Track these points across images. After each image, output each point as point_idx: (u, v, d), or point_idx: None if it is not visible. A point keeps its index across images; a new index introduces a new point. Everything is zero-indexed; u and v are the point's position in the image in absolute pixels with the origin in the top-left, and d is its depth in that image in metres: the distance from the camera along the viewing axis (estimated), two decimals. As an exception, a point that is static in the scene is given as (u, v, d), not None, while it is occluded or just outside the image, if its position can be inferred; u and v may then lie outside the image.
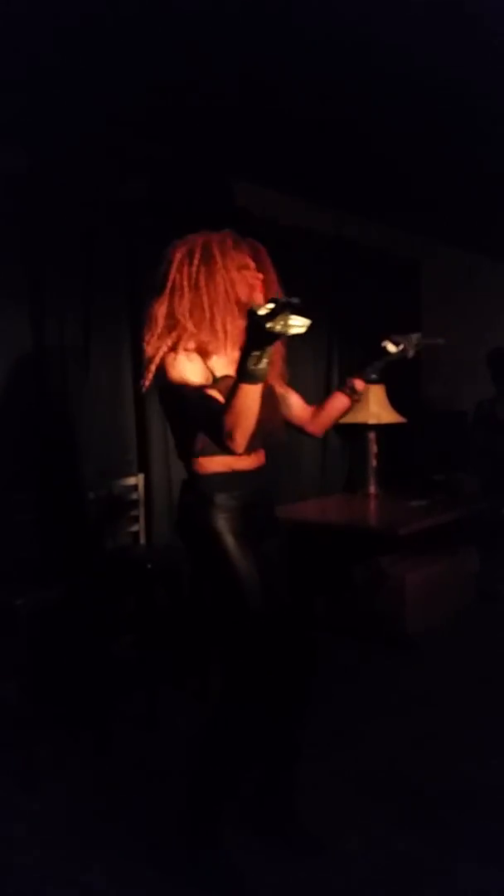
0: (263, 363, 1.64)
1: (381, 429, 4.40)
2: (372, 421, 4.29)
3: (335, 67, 2.69)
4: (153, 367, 1.93)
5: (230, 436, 1.74)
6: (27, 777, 2.51)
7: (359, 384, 2.18)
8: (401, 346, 2.19)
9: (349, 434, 4.52)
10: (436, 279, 5.58)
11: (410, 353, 2.21)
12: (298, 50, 2.54)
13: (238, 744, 2.01)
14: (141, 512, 3.47)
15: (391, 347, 2.18)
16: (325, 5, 2.25)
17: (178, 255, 1.97)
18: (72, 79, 2.67)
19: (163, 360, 1.92)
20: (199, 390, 1.87)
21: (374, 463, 4.40)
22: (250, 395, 1.68)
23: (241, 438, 1.74)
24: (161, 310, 1.96)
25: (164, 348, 1.92)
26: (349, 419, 4.20)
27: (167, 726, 2.87)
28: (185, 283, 1.94)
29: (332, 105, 3.03)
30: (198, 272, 1.94)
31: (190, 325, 1.92)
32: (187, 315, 1.92)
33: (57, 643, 2.93)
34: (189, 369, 1.90)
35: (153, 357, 1.94)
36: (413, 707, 3.07)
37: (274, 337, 1.59)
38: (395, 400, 4.44)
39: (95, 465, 3.31)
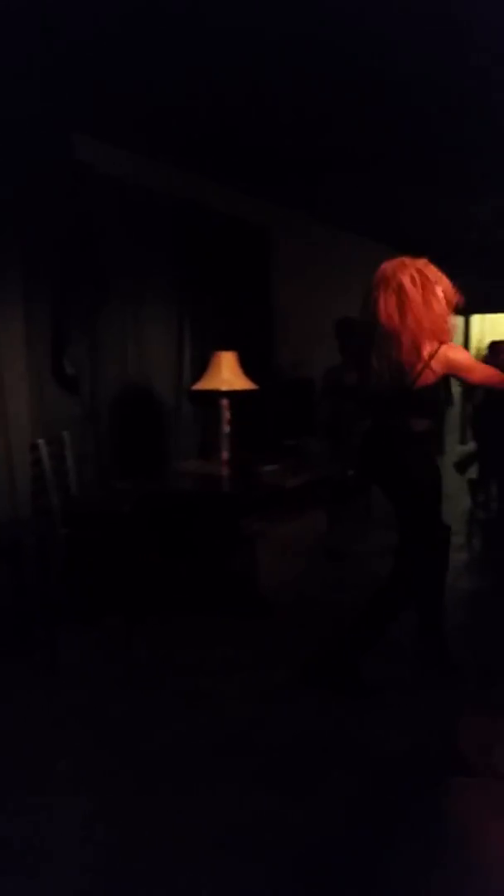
0: None
1: (233, 396, 4.45)
2: (224, 388, 4.32)
3: (183, 23, 2.63)
4: None
5: None
6: None
7: None
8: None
9: (202, 401, 4.53)
10: (288, 249, 5.66)
11: None
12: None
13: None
14: None
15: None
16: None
17: None
18: None
19: None
20: None
21: (226, 429, 4.44)
22: None
23: None
24: None
25: None
26: (202, 386, 4.21)
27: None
28: None
29: (185, 58, 2.97)
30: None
31: None
32: None
33: None
34: None
35: None
36: (264, 665, 3.17)
37: None
38: (247, 367, 4.49)
39: None
